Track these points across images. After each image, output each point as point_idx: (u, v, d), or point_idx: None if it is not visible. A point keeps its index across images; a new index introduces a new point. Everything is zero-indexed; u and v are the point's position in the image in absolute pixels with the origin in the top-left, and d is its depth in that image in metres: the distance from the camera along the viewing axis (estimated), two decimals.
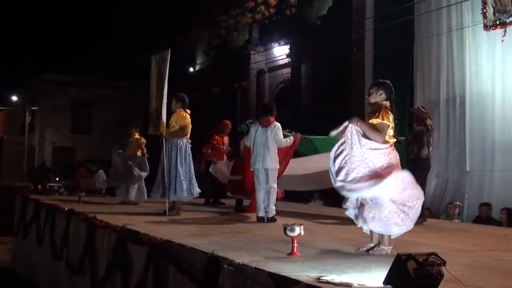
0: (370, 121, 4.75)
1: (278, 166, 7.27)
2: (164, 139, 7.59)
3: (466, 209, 10.77)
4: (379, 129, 4.69)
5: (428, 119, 8.02)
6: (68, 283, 7.10)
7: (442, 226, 7.97)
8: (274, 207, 7.09)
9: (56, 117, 29.28)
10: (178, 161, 7.54)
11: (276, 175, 7.25)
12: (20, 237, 9.45)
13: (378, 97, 4.88)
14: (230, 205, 9.11)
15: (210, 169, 9.66)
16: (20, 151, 19.71)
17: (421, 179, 8.01)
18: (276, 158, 7.24)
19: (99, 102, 29.53)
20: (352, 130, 4.68)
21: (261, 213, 7.05)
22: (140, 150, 9.60)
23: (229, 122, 10.19)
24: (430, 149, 7.98)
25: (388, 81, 5.00)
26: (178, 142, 7.59)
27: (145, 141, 9.71)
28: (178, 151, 7.58)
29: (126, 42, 27.47)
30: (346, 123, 4.74)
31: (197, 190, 7.71)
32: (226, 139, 9.88)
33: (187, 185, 7.51)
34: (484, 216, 9.89)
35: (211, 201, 9.94)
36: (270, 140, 7.17)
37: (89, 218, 6.54)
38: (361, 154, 4.61)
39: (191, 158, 7.77)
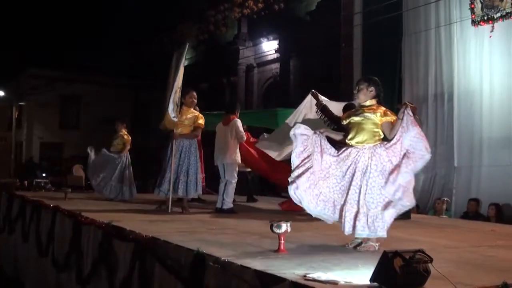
0: (384, 119, 4.72)
1: (236, 161, 7.85)
2: (174, 135, 7.40)
3: (454, 204, 10.81)
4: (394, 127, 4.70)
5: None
6: (54, 280, 7.02)
7: (430, 222, 7.98)
8: (229, 200, 7.72)
9: (44, 113, 29.05)
10: (198, 158, 7.54)
11: (234, 170, 7.81)
12: (6, 234, 9.36)
13: (369, 93, 4.85)
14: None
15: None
16: (6, 147, 19.52)
17: None
18: (235, 153, 7.81)
19: (87, 97, 29.34)
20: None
21: (219, 204, 7.71)
22: (126, 147, 9.57)
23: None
24: None
25: (376, 78, 4.97)
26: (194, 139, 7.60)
27: (130, 139, 9.65)
28: (197, 147, 7.60)
29: (114, 37, 27.25)
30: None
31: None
32: None
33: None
34: (472, 212, 9.94)
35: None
36: (228, 137, 7.76)
37: (75, 214, 6.47)
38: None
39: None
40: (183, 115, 7.52)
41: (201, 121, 7.56)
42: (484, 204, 10.00)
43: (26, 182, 17.34)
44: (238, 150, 7.91)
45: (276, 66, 20.87)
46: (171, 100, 7.17)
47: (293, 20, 18.66)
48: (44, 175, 20.50)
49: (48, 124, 29.44)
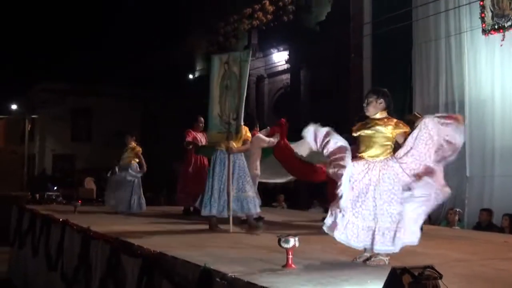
0: (396, 132, 4.66)
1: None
2: (231, 150, 6.86)
3: (467, 215, 10.69)
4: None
5: None
6: None
7: (442, 233, 7.87)
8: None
9: (56, 125, 29.28)
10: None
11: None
12: (16, 248, 9.38)
13: (378, 105, 4.78)
14: None
15: None
16: (17, 160, 19.73)
17: None
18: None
19: (98, 110, 29.54)
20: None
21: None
22: (136, 159, 9.58)
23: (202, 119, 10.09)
24: None
25: (386, 89, 4.91)
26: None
27: (140, 149, 9.67)
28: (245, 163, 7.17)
29: (124, 49, 27.43)
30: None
31: None
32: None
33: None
34: (484, 222, 9.81)
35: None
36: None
37: (83, 229, 6.46)
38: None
39: None
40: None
41: (248, 134, 7.23)
42: (497, 215, 9.86)
43: (37, 195, 17.42)
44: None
45: (286, 76, 20.87)
46: (241, 112, 6.80)
47: (303, 31, 18.67)
48: (55, 188, 20.61)
49: (60, 136, 29.66)
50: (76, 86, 28.30)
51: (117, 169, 9.67)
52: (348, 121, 13.17)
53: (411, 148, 4.53)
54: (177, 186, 9.52)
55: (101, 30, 27.39)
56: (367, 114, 4.90)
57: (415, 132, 4.53)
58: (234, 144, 6.87)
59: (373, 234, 4.47)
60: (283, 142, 8.27)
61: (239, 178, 6.89)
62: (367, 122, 4.87)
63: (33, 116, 30.19)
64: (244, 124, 7.75)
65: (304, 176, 8.96)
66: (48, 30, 27.79)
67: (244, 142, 7.09)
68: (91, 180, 18.99)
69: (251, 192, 6.97)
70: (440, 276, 3.14)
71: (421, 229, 7.38)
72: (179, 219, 8.56)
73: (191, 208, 9.50)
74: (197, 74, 26.56)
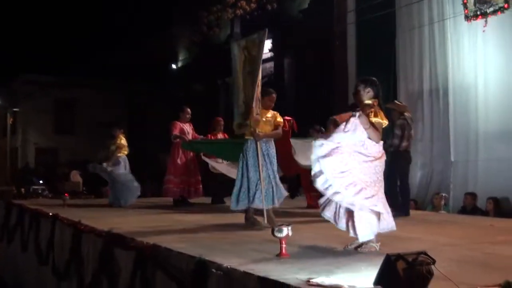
0: (373, 120, 4.70)
1: None
2: (257, 136, 6.39)
3: (452, 199, 10.83)
4: (377, 128, 4.66)
5: (407, 112, 8.07)
6: None
7: (429, 218, 8.00)
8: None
9: (39, 118, 28.98)
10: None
11: None
12: (5, 243, 9.33)
13: (366, 94, 4.85)
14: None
15: (209, 167, 9.62)
16: (0, 154, 19.50)
17: (402, 171, 8.13)
18: None
19: (81, 102, 29.29)
20: (356, 124, 4.62)
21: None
22: (123, 152, 9.58)
23: (220, 119, 10.13)
24: (410, 141, 8.04)
25: (375, 78, 4.96)
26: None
27: (125, 143, 9.65)
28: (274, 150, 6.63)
29: (107, 40, 27.20)
30: (352, 117, 4.65)
31: None
32: (221, 136, 9.80)
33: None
34: (469, 206, 9.97)
35: (216, 201, 9.80)
36: None
37: (74, 223, 6.46)
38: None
39: None
40: (262, 116, 6.56)
41: (280, 118, 6.74)
42: (481, 198, 10.02)
43: (22, 189, 17.29)
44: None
45: (270, 65, 20.83)
46: (255, 96, 6.37)
47: (286, 19, 18.64)
48: (41, 182, 20.46)
49: (43, 129, 29.37)
50: (58, 78, 28.02)
51: (105, 165, 9.62)
52: (333, 108, 13.27)
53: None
54: (164, 178, 9.51)
55: (83, 22, 27.11)
56: (356, 103, 4.97)
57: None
58: (258, 130, 6.39)
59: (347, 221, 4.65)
60: (287, 137, 8.39)
61: (272, 166, 6.45)
62: (357, 110, 4.92)
63: (15, 109, 29.87)
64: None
65: (286, 170, 9.06)
66: (30, 22, 27.46)
67: (276, 127, 6.64)
68: (77, 173, 18.86)
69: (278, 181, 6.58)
70: (433, 262, 3.21)
71: (408, 213, 7.69)
72: (169, 210, 8.60)
73: (181, 199, 9.55)
74: (180, 64, 26.42)
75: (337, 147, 4.59)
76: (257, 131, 6.40)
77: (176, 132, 9.26)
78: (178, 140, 9.25)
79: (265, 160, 6.39)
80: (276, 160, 6.58)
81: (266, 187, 6.29)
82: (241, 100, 6.69)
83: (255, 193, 6.28)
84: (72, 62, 27.43)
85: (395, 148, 7.76)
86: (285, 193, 6.64)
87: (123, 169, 9.53)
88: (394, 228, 4.77)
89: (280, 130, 6.72)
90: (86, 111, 28.90)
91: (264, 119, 6.54)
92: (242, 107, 6.67)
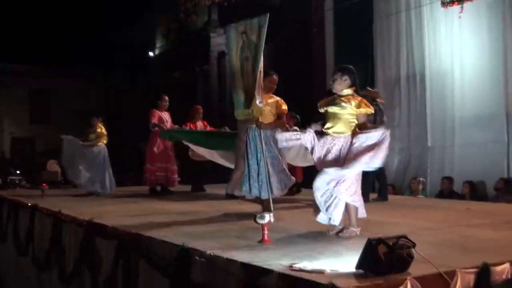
0: (358, 111, 4.76)
1: None
2: (257, 127, 6.20)
3: (429, 184, 10.99)
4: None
5: (379, 98, 8.13)
6: (36, 279, 6.99)
7: (407, 203, 8.12)
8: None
9: (13, 108, 28.57)
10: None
11: None
12: None
13: (343, 82, 4.88)
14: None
15: (189, 154, 9.61)
16: None
17: None
18: None
19: (57, 91, 28.92)
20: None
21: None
22: (103, 141, 9.50)
23: (199, 107, 10.09)
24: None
25: (351, 66, 5.00)
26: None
27: (104, 132, 9.57)
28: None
29: (82, 28, 26.80)
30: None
31: None
32: (201, 124, 9.78)
33: None
34: (446, 190, 10.13)
35: (197, 187, 9.79)
36: None
37: (54, 213, 6.42)
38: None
39: None
40: (264, 101, 6.28)
41: (285, 106, 6.54)
42: (458, 182, 10.19)
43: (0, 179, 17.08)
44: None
45: None
46: (257, 84, 6.14)
47: (264, 6, 18.58)
48: (18, 172, 20.20)
49: (19, 119, 28.96)
50: (33, 67, 27.60)
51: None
52: (312, 95, 13.31)
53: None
54: (143, 166, 9.48)
55: (58, 9, 26.64)
56: (334, 91, 5.00)
57: (377, 135, 4.64)
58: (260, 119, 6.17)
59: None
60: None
61: (276, 156, 6.24)
62: (334, 98, 4.96)
63: None
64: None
65: None
66: (2, 10, 26.92)
67: (279, 116, 6.44)
68: (54, 163, 18.62)
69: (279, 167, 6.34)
70: (414, 245, 3.28)
71: (386, 198, 7.78)
72: (150, 199, 8.57)
73: (158, 188, 9.52)
74: (157, 52, 26.22)
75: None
76: (260, 120, 6.18)
77: (154, 120, 9.23)
78: (156, 128, 9.22)
79: (268, 150, 6.18)
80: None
81: (267, 176, 6.07)
82: (240, 87, 6.48)
83: (257, 182, 6.12)
84: (47, 51, 26.99)
85: None
86: (292, 180, 6.42)
87: (102, 157, 9.46)
88: (365, 215, 4.83)
89: (284, 119, 6.48)
90: (62, 100, 28.55)
91: (266, 107, 6.31)
92: (242, 94, 6.45)
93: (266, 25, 6.17)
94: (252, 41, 6.32)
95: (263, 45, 6.20)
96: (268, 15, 6.23)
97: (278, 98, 6.61)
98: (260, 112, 6.16)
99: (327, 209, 4.65)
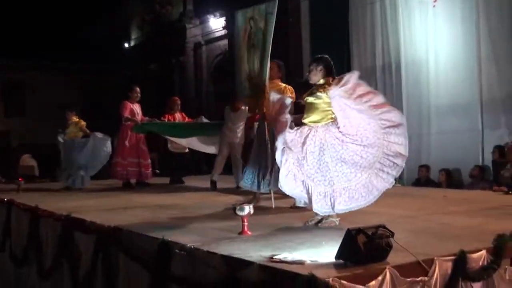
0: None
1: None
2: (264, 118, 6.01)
3: (406, 172, 11.06)
4: None
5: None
6: (14, 275, 6.92)
7: (384, 191, 8.17)
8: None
9: None
10: None
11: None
12: None
13: (319, 72, 4.91)
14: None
15: (168, 146, 9.57)
16: None
17: None
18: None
19: (32, 84, 28.47)
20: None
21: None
22: (80, 133, 9.38)
23: (177, 98, 10.04)
24: None
25: (327, 56, 5.03)
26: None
27: (84, 123, 9.45)
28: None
29: (56, 20, 26.41)
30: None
31: None
32: (179, 115, 9.72)
33: None
34: (423, 178, 10.26)
35: (175, 180, 9.76)
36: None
37: (31, 208, 6.35)
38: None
39: None
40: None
41: (293, 94, 6.26)
42: (434, 170, 10.32)
43: None
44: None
45: (224, 42, 20.72)
46: (266, 69, 6.01)
47: None
48: None
49: None
50: (7, 60, 27.13)
51: (60, 139, 9.38)
52: (289, 85, 13.32)
53: (343, 117, 4.65)
54: (112, 159, 9.35)
55: (32, 1, 26.21)
56: (310, 82, 5.03)
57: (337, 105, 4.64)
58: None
59: (332, 197, 4.61)
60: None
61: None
62: (312, 89, 4.99)
63: None
64: (232, 97, 7.85)
65: None
66: None
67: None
68: (28, 157, 18.38)
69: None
70: (392, 234, 3.32)
71: None
72: (128, 192, 8.51)
73: (132, 181, 9.45)
74: (133, 43, 25.98)
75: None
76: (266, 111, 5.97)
77: (127, 113, 9.08)
78: (129, 122, 9.10)
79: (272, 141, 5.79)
80: None
81: (272, 170, 5.94)
82: (244, 74, 6.35)
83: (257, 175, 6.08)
84: (20, 44, 26.55)
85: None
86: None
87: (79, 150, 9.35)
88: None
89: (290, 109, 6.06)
90: (37, 94, 28.14)
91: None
92: (246, 82, 6.36)
93: (275, 12, 6.11)
94: (260, 28, 6.25)
95: (272, 33, 6.09)
96: (276, 1, 6.18)
97: (283, 86, 6.38)
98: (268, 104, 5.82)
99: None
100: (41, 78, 27.86)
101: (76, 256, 5.24)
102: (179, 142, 9.44)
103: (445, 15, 10.67)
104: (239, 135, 8.46)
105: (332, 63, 5.00)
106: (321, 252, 3.54)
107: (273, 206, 6.01)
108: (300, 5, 13.94)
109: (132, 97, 9.25)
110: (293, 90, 6.45)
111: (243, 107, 8.26)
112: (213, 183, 8.43)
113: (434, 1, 10.73)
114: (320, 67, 4.92)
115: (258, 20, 6.32)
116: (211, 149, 9.36)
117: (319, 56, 5.09)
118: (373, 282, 3.05)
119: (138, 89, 9.38)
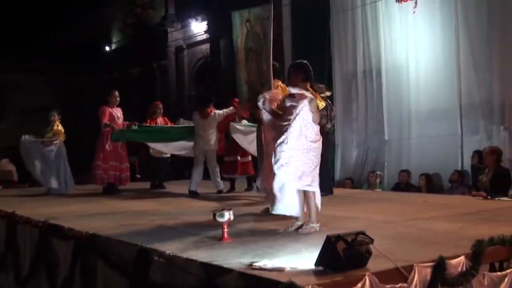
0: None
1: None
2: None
3: (387, 177, 11.16)
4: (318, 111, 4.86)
5: (324, 93, 8.18)
6: None
7: (365, 197, 8.23)
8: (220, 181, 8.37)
9: None
10: None
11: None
12: None
13: (298, 79, 4.92)
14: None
15: (150, 151, 9.48)
16: None
17: (324, 152, 8.29)
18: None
19: (11, 86, 28.12)
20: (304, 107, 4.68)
21: (220, 187, 8.39)
22: (61, 139, 9.29)
23: (159, 103, 9.97)
24: (332, 123, 8.15)
25: (306, 62, 5.05)
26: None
27: (62, 129, 9.35)
28: None
29: (36, 22, 26.15)
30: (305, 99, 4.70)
31: None
32: (162, 120, 9.65)
33: None
34: (403, 183, 10.32)
35: (156, 185, 9.69)
36: (211, 127, 8.31)
37: (8, 214, 6.26)
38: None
39: None
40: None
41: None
42: (414, 175, 10.39)
43: None
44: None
45: (206, 46, 20.71)
46: (270, 78, 5.93)
47: (221, 0, 18.52)
48: None
49: None
50: None
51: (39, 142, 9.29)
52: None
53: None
54: (92, 164, 9.23)
55: (11, 2, 25.92)
56: (289, 88, 5.04)
57: None
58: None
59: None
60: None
61: None
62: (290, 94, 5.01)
63: None
64: (201, 103, 7.81)
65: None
66: None
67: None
68: (7, 161, 18.12)
69: None
70: (371, 241, 3.31)
71: (332, 192, 7.81)
72: (108, 198, 8.41)
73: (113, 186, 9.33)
74: (114, 47, 25.81)
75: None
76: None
77: (105, 119, 8.90)
78: (108, 129, 8.97)
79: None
80: None
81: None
82: (244, 78, 6.30)
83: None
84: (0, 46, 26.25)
85: (327, 129, 7.88)
86: None
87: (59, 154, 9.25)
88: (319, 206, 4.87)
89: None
90: (17, 97, 27.80)
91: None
92: (245, 86, 6.32)
93: (271, 17, 6.02)
94: (256, 32, 6.15)
95: (271, 39, 5.99)
96: (271, 5, 6.13)
97: (280, 84, 6.12)
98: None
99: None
100: (21, 81, 27.54)
101: (54, 263, 5.16)
102: (160, 149, 9.37)
103: (425, 21, 10.78)
104: (212, 142, 8.35)
105: (311, 68, 5.03)
106: (301, 259, 3.52)
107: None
108: (281, 10, 13.94)
109: (111, 102, 9.11)
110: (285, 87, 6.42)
111: (212, 113, 8.26)
112: (193, 193, 8.29)
113: (414, 7, 10.83)
114: (298, 72, 4.97)
115: (254, 24, 6.22)
116: (191, 153, 9.30)
117: (299, 62, 5.18)
118: None
119: (117, 93, 9.23)
